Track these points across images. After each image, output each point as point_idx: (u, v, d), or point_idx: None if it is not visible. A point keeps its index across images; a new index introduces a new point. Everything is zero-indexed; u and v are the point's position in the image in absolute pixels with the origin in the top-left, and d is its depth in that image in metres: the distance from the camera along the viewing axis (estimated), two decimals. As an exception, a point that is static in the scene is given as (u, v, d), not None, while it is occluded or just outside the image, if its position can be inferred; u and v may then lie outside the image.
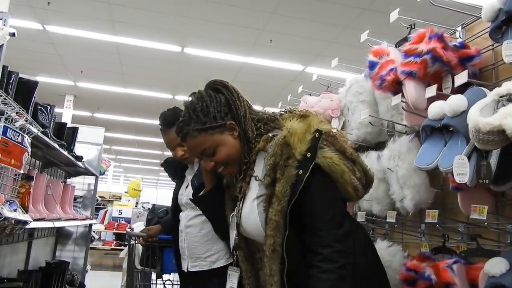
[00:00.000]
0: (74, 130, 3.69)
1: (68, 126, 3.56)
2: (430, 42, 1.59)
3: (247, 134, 1.33)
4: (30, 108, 2.48)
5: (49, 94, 9.16)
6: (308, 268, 1.15)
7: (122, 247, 7.92)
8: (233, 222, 1.37)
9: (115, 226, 8.24)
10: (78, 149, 4.48)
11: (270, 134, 1.32)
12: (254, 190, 1.30)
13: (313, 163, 1.19)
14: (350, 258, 1.17)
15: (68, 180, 4.65)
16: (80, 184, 4.86)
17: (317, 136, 1.21)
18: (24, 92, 2.39)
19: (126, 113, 11.27)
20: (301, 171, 1.17)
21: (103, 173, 5.16)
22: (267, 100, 5.95)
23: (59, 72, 8.43)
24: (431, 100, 1.63)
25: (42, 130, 2.55)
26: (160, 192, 31.08)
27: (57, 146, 2.76)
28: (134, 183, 11.05)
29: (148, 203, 18.59)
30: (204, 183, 1.62)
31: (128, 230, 8.12)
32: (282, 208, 1.16)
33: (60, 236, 4.68)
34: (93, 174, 4.66)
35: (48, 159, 3.57)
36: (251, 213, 1.29)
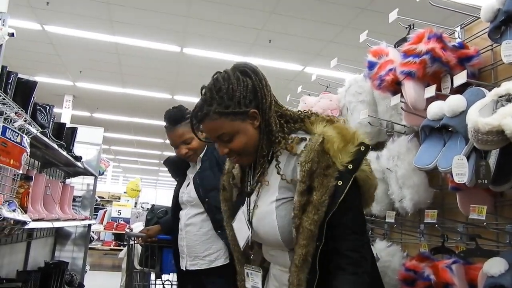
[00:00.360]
0: (73, 130, 3.69)
1: (67, 126, 3.55)
2: (429, 42, 1.59)
3: (270, 126, 1.24)
4: (29, 108, 2.48)
5: (48, 94, 9.16)
6: (334, 269, 1.14)
7: (121, 247, 7.92)
8: (242, 219, 1.30)
9: (114, 226, 8.22)
10: (77, 149, 4.48)
11: (299, 136, 1.25)
12: (274, 190, 1.23)
13: (354, 175, 1.15)
14: (369, 264, 1.18)
15: (67, 181, 4.65)
16: (79, 184, 4.86)
17: (362, 150, 1.17)
18: (23, 92, 2.39)
19: (125, 113, 11.28)
20: (341, 182, 1.12)
21: (102, 174, 5.16)
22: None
23: (58, 72, 8.43)
24: (430, 100, 1.63)
25: (41, 130, 2.55)
26: (159, 192, 31.10)
27: (56, 146, 2.76)
28: (133, 183, 11.04)
29: (147, 203, 18.58)
30: (205, 181, 1.61)
31: (127, 230, 8.12)
32: (319, 218, 1.11)
33: (59, 236, 4.68)
34: (92, 174, 4.66)
35: (47, 159, 3.57)
36: (267, 215, 1.21)
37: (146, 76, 8.47)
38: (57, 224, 3.33)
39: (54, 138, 2.90)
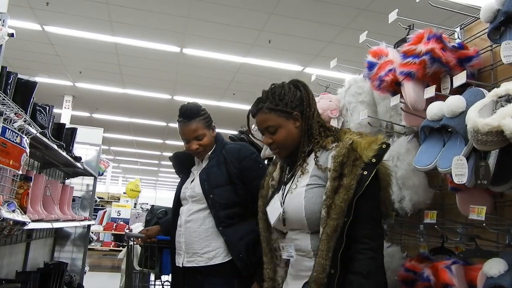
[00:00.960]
0: (73, 131, 3.69)
1: (67, 126, 3.55)
2: (429, 42, 1.59)
3: (311, 129, 1.57)
4: (28, 109, 2.48)
5: (48, 94, 9.17)
6: (353, 253, 1.36)
7: (120, 248, 7.92)
8: (276, 201, 1.57)
9: (114, 227, 8.22)
10: (77, 150, 4.49)
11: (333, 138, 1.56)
12: (306, 178, 1.51)
13: (376, 167, 1.42)
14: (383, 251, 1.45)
15: (67, 181, 4.65)
16: (78, 185, 4.86)
17: (384, 147, 1.44)
18: (23, 92, 2.39)
19: (125, 113, 11.29)
20: (366, 172, 1.39)
21: (102, 174, 5.15)
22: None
23: (58, 72, 8.44)
24: (429, 100, 1.63)
25: (41, 131, 2.55)
26: (159, 193, 31.11)
27: (55, 147, 2.76)
28: (133, 183, 11.04)
29: (147, 204, 18.58)
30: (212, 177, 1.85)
31: (127, 231, 8.11)
32: (348, 197, 1.36)
33: (59, 237, 4.67)
34: (91, 175, 4.66)
35: (46, 160, 3.57)
36: (297, 196, 1.48)
37: (145, 77, 8.48)
38: (56, 225, 3.33)
39: (53, 139, 2.90)
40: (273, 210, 1.58)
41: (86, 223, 4.41)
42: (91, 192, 4.94)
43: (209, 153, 2.24)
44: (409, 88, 1.64)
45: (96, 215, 8.35)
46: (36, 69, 8.25)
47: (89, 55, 7.51)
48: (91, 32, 6.57)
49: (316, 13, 5.64)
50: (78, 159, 3.61)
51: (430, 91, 1.59)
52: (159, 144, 15.06)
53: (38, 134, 2.32)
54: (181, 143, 2.29)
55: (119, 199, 10.88)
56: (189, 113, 2.19)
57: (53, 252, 4.59)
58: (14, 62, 7.32)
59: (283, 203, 1.53)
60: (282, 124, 1.55)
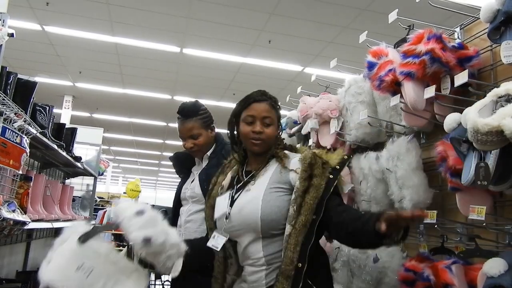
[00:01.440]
0: (73, 131, 3.69)
1: (67, 127, 3.55)
2: (429, 42, 1.59)
3: (279, 138, 1.68)
4: (28, 109, 2.48)
5: (48, 94, 9.16)
6: (341, 224, 1.41)
7: (121, 248, 7.93)
8: (226, 198, 1.61)
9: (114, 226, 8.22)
10: (77, 150, 4.49)
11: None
12: (265, 181, 1.55)
13: (339, 174, 1.51)
14: None
15: (67, 181, 4.65)
16: (78, 185, 4.85)
17: (346, 158, 1.56)
18: (23, 92, 2.39)
19: (125, 113, 11.30)
20: (332, 176, 1.49)
21: (102, 174, 5.15)
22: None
23: (58, 72, 8.44)
24: (429, 100, 1.63)
25: (41, 131, 2.55)
26: (159, 193, 31.09)
27: (55, 147, 2.76)
28: (133, 183, 11.04)
29: (147, 203, 18.50)
30: (210, 177, 1.83)
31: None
32: (318, 195, 1.44)
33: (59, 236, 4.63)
34: (91, 175, 4.66)
35: (47, 160, 3.57)
36: (254, 197, 1.51)
37: (146, 77, 8.49)
38: (56, 225, 3.33)
39: (53, 139, 2.90)
40: (220, 207, 1.61)
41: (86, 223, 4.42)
42: (91, 192, 4.94)
43: (209, 153, 2.24)
44: (409, 88, 1.64)
45: (96, 215, 8.33)
46: (36, 69, 8.25)
47: (89, 55, 7.51)
48: (91, 32, 6.57)
49: (316, 13, 5.64)
50: (78, 159, 3.61)
51: (430, 91, 1.59)
52: (159, 144, 15.07)
53: (38, 134, 2.32)
54: (181, 143, 2.30)
55: (119, 199, 10.87)
56: (186, 112, 2.20)
57: (54, 252, 4.56)
58: (14, 62, 7.31)
59: (233, 203, 1.56)
60: (274, 122, 1.63)
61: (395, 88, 1.75)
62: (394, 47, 1.98)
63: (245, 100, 1.65)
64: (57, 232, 4.59)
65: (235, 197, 1.57)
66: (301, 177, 1.48)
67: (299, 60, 7.26)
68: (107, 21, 6.20)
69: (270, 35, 6.35)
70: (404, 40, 1.90)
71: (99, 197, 18.27)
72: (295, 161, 1.56)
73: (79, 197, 4.45)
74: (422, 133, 1.98)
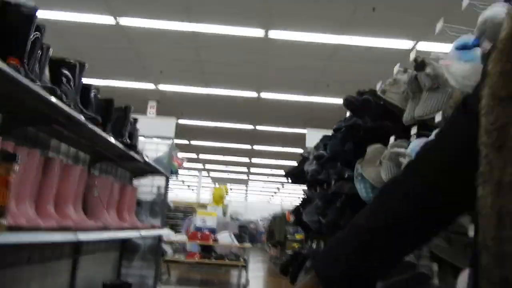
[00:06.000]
0: (126, 111, 2.85)
1: (115, 106, 2.69)
2: None
3: None
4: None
5: (132, 101, 8.70)
6: None
7: (206, 260, 7.14)
8: None
9: (199, 237, 7.44)
10: (146, 147, 3.72)
11: None
12: None
13: None
14: None
15: (136, 182, 3.87)
16: (148, 186, 4.05)
17: None
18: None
19: (210, 117, 10.69)
20: None
21: (176, 173, 4.30)
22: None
23: (138, 74, 7.96)
24: None
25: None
26: (249, 202, 30.59)
27: (83, 120, 1.86)
28: (219, 190, 10.35)
29: (237, 213, 17.97)
30: None
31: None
32: None
33: (126, 249, 3.86)
34: (162, 174, 3.84)
35: (97, 152, 2.77)
36: None
37: (228, 73, 7.71)
38: (108, 235, 2.50)
39: (85, 111, 2.04)
40: None
41: (156, 232, 3.58)
42: (162, 196, 4.13)
43: None
44: None
45: (172, 223, 7.70)
46: (115, 71, 7.81)
47: (168, 50, 6.91)
48: (167, 20, 5.90)
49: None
50: (131, 146, 2.76)
51: None
52: (247, 151, 14.34)
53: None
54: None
55: (206, 207, 10.24)
56: None
57: (120, 269, 3.78)
58: (91, 63, 6.91)
59: None
60: None
61: None
62: None
63: None
64: (123, 244, 3.77)
65: None
66: None
67: (409, 34, 5.88)
68: (184, 8, 5.48)
69: (373, 2, 5.11)
70: None
71: (186, 206, 18.16)
72: None
73: (147, 201, 3.63)
74: None
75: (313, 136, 4.18)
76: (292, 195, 26.88)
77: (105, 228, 2.45)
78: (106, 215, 2.58)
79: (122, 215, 3.00)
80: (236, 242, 7.28)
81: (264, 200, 31.37)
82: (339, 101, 3.09)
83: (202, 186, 21.06)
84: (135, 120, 3.18)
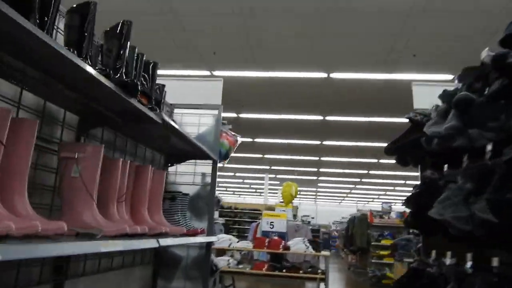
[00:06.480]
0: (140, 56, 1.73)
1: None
2: None
3: None
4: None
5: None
6: None
7: (276, 272, 5.92)
8: None
9: (266, 243, 6.21)
10: (187, 119, 2.66)
11: None
12: None
13: None
14: None
15: (171, 169, 2.80)
16: (190, 175, 2.93)
17: None
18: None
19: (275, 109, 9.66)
20: None
21: (227, 157, 3.10)
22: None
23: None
24: None
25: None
26: (319, 205, 29.01)
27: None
28: (289, 186, 9.10)
29: (308, 216, 16.65)
30: None
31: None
32: None
33: (162, 263, 2.77)
34: (207, 157, 2.71)
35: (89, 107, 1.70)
36: None
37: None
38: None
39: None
40: None
41: (201, 239, 2.46)
42: (208, 187, 2.94)
43: None
44: None
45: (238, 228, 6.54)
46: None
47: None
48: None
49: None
50: (152, 108, 1.66)
51: None
52: (315, 147, 13.01)
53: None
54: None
55: (274, 209, 9.01)
56: None
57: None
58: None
59: None
60: None
61: None
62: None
63: None
64: (157, 256, 2.71)
65: None
66: None
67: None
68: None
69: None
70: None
71: (255, 209, 17.06)
72: None
73: (185, 195, 2.49)
74: None
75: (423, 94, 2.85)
76: (367, 195, 25.03)
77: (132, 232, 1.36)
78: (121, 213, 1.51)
79: (141, 215, 1.91)
80: (311, 250, 5.99)
81: (333, 204, 29.69)
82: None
83: (269, 189, 19.94)
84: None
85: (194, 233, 2.32)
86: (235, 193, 27.84)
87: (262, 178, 18.88)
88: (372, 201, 26.13)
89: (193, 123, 2.86)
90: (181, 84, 2.98)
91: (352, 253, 11.94)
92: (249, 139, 12.43)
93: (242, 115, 10.05)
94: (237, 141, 3.22)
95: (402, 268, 7.11)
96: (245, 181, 21.99)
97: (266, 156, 15.07)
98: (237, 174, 19.57)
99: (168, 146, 2.49)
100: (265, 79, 7.66)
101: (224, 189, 25.60)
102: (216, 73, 7.46)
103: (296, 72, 7.23)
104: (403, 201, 2.38)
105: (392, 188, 21.00)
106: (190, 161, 2.86)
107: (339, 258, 17.25)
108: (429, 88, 2.96)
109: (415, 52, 6.08)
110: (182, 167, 2.88)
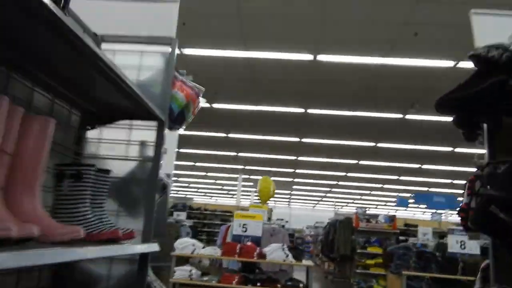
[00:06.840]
0: None
1: None
2: None
3: None
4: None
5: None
6: None
7: (249, 286, 4.90)
8: None
9: (238, 250, 5.18)
10: (122, 58, 1.65)
11: None
12: None
13: None
14: None
15: (92, 134, 1.76)
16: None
17: None
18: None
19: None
20: None
21: (182, 119, 1.99)
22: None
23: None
24: None
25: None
26: (293, 209, 28.13)
27: None
28: (266, 180, 8.11)
29: (282, 219, 15.69)
30: None
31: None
32: None
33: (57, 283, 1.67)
34: (150, 117, 1.64)
35: None
36: None
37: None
38: None
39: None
40: None
41: (128, 248, 1.44)
42: (149, 163, 1.79)
43: None
44: None
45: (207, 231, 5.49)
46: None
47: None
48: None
49: None
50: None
51: None
52: (295, 143, 12.10)
53: None
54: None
55: (248, 210, 7.97)
56: None
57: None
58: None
59: None
60: None
61: None
62: None
63: None
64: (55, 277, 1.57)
65: None
66: None
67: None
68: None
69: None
70: None
71: (226, 211, 15.92)
72: None
73: (104, 172, 1.43)
74: None
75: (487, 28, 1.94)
76: (342, 199, 24.30)
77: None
78: None
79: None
80: (291, 259, 5.01)
81: (308, 208, 28.91)
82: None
83: (242, 191, 18.89)
84: None
85: (114, 238, 1.30)
86: (207, 194, 26.74)
87: (235, 179, 17.83)
88: (347, 205, 25.51)
89: (132, 65, 1.85)
90: (115, 6, 1.95)
91: (330, 261, 11.01)
92: (223, 134, 11.43)
93: (216, 105, 9.01)
94: (198, 96, 2.20)
95: (397, 282, 6.20)
96: (217, 181, 20.90)
97: (240, 154, 14.07)
98: (209, 174, 18.49)
99: (85, 92, 1.46)
100: (244, 60, 6.65)
101: (195, 189, 24.50)
102: (185, 51, 6.41)
103: (279, 52, 6.24)
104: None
105: (368, 192, 20.39)
106: (123, 122, 1.81)
107: (314, 265, 16.40)
108: (494, 19, 2.06)
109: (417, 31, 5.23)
110: (109, 132, 1.82)
